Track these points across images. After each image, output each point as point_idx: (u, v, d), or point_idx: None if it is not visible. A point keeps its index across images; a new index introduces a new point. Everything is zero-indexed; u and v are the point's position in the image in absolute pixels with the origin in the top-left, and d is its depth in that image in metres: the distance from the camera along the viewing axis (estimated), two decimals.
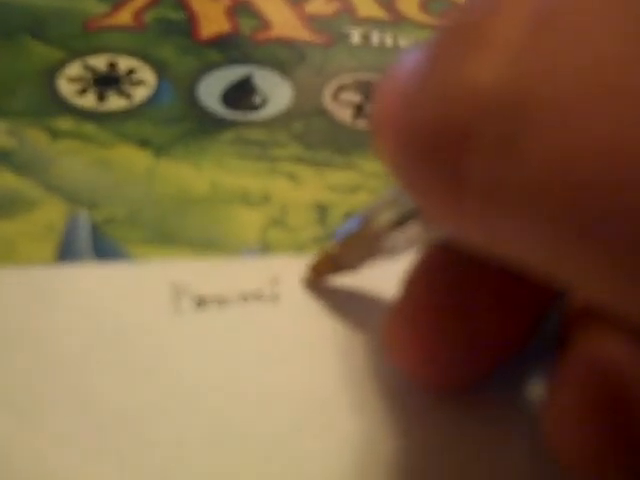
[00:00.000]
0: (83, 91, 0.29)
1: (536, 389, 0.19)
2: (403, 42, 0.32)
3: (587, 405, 0.16)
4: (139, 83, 0.29)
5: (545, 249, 0.12)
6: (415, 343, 0.18)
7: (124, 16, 0.32)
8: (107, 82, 0.29)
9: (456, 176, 0.12)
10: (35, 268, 0.22)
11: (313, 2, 0.34)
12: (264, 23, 0.33)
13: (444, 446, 0.19)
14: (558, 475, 0.17)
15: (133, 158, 0.26)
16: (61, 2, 0.33)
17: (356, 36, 0.32)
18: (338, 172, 0.26)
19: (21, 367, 0.20)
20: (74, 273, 0.22)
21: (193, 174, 0.26)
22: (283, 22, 0.33)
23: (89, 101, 0.28)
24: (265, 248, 0.23)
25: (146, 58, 0.30)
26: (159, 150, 0.27)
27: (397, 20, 0.33)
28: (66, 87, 0.29)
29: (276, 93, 0.29)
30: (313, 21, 0.33)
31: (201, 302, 0.21)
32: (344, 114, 0.29)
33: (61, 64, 0.30)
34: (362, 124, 0.28)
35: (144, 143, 0.27)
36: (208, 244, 0.23)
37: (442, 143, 0.12)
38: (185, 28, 0.32)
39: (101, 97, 0.28)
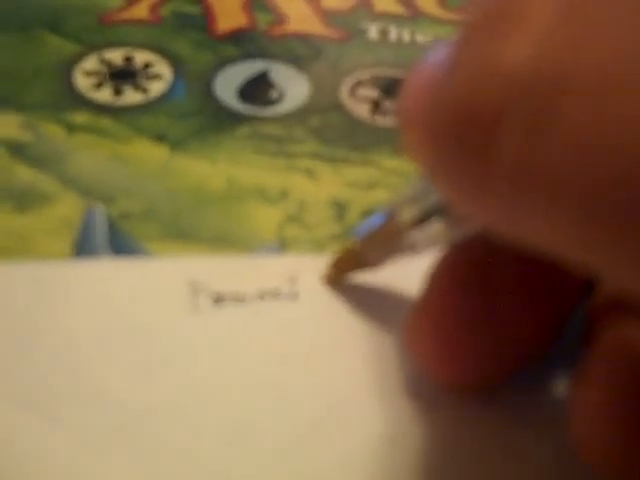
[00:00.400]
0: (99, 85, 0.29)
1: (560, 388, 0.19)
2: (421, 38, 0.32)
3: (615, 399, 0.16)
4: (155, 77, 0.29)
5: (575, 234, 0.11)
6: (438, 341, 0.18)
7: (140, 10, 0.32)
8: (123, 76, 0.29)
9: (487, 157, 0.12)
10: (51, 263, 0.22)
11: None
12: (280, 18, 0.32)
13: (465, 447, 0.18)
14: (583, 475, 0.17)
15: (149, 153, 0.26)
16: None
17: (373, 31, 0.32)
18: (356, 168, 0.26)
19: (36, 363, 0.20)
20: (90, 269, 0.22)
21: (209, 169, 0.26)
22: (300, 17, 0.33)
23: (105, 95, 0.28)
24: (282, 245, 0.23)
25: (162, 52, 0.30)
26: (175, 145, 0.26)
27: (415, 15, 0.33)
28: (82, 81, 0.29)
29: (293, 88, 0.29)
30: (330, 16, 0.33)
31: (218, 299, 0.21)
32: (361, 110, 0.28)
33: (77, 58, 0.30)
34: (380, 120, 0.28)
35: (160, 138, 0.27)
36: (224, 240, 0.23)
37: (472, 124, 0.12)
38: (201, 22, 0.32)
39: (117, 91, 0.28)
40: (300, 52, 0.31)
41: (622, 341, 0.16)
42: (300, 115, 0.28)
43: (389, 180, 0.26)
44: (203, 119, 0.28)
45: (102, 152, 0.26)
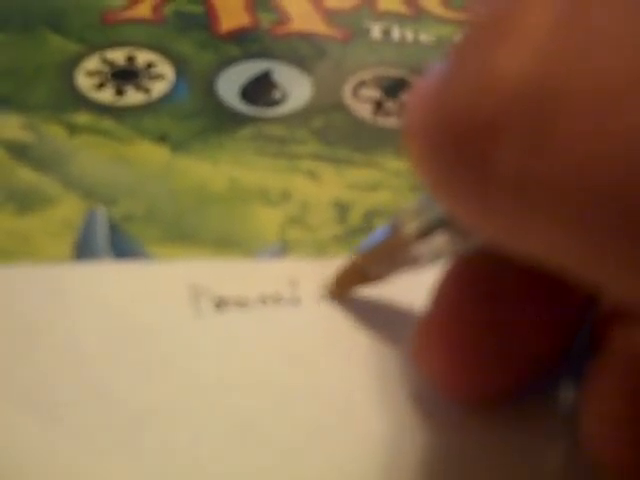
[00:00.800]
0: (101, 85, 0.28)
1: (569, 393, 0.19)
2: (424, 37, 0.32)
3: (625, 403, 0.16)
4: (157, 77, 0.29)
5: (575, 246, 0.11)
6: (446, 355, 0.18)
7: (143, 9, 0.32)
8: (125, 76, 0.29)
9: (485, 169, 0.12)
10: (52, 266, 0.22)
11: None
12: (283, 17, 0.32)
13: (472, 452, 0.18)
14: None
15: (151, 154, 0.26)
16: None
17: (376, 31, 0.32)
18: (358, 170, 0.26)
19: (36, 365, 0.20)
20: (91, 271, 0.22)
21: (211, 171, 0.26)
22: (302, 16, 0.32)
23: (107, 95, 0.28)
24: (284, 246, 0.23)
25: (165, 52, 0.30)
26: (177, 146, 0.26)
27: (418, 15, 0.33)
28: (84, 81, 0.29)
29: (295, 88, 0.29)
30: (333, 15, 0.33)
31: (220, 303, 0.21)
32: (364, 110, 0.28)
33: (79, 58, 0.29)
34: (382, 121, 0.28)
35: (162, 139, 0.27)
36: (226, 242, 0.23)
37: (470, 135, 0.12)
38: (204, 22, 0.32)
39: (119, 91, 0.28)
40: (303, 52, 0.31)
41: (631, 347, 0.16)
42: (303, 116, 0.28)
43: (392, 181, 0.26)
44: (205, 120, 0.27)
45: (104, 153, 0.26)
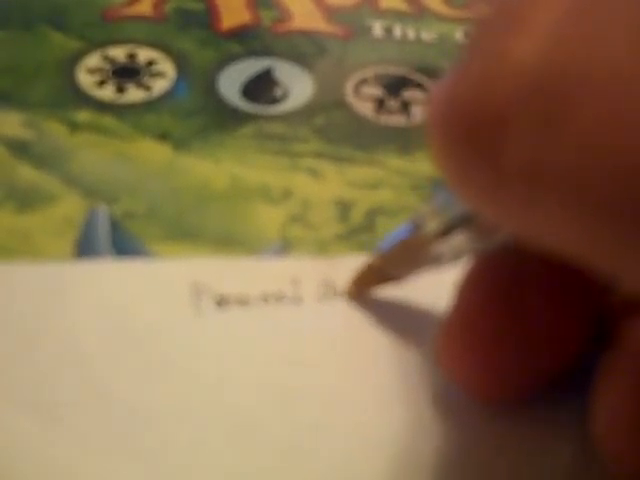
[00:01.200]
0: (102, 83, 0.28)
1: (580, 388, 0.19)
2: (425, 35, 0.32)
3: (637, 400, 0.16)
4: (158, 75, 0.29)
5: (588, 234, 0.11)
6: (469, 354, 0.18)
7: (144, 6, 0.32)
8: (126, 73, 0.29)
9: (496, 158, 0.12)
10: (53, 264, 0.22)
11: None
12: (285, 15, 0.32)
13: (483, 448, 0.18)
14: (602, 477, 0.17)
15: (152, 152, 0.26)
16: None
17: (378, 29, 0.32)
18: (360, 168, 0.26)
19: (38, 363, 0.19)
20: (92, 270, 0.22)
21: (213, 169, 0.25)
22: (304, 14, 0.32)
23: (108, 93, 0.28)
24: (286, 245, 0.23)
25: (166, 49, 0.30)
26: (178, 144, 0.26)
27: (420, 13, 0.33)
28: (85, 78, 0.28)
29: (297, 86, 0.29)
30: (334, 13, 0.32)
31: (221, 302, 0.21)
32: (365, 108, 0.28)
33: (80, 55, 0.29)
34: (384, 118, 0.28)
35: (163, 136, 0.26)
36: (228, 240, 0.23)
37: (482, 125, 0.12)
38: (205, 19, 0.32)
39: (120, 89, 0.28)
40: (304, 49, 0.31)
41: None
42: (304, 113, 0.28)
43: (394, 180, 0.25)
44: (206, 117, 0.27)
45: (105, 151, 0.26)
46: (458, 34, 0.32)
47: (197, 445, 0.18)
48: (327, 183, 0.25)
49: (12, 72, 0.29)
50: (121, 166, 0.25)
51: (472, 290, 0.18)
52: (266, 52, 0.30)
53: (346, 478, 0.18)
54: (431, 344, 0.19)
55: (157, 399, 0.19)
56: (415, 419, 0.19)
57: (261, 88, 0.29)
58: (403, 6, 0.33)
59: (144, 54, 0.30)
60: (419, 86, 0.29)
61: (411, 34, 0.32)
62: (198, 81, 0.29)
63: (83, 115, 0.27)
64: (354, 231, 0.24)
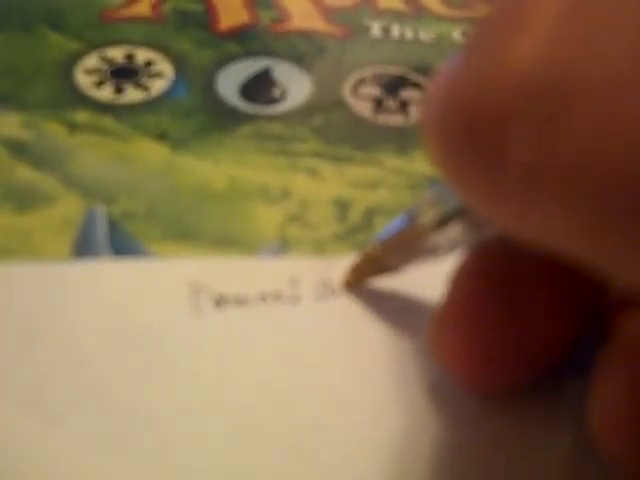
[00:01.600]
0: (100, 83, 0.28)
1: (577, 383, 0.19)
2: (423, 35, 0.32)
3: (634, 395, 0.16)
4: (157, 75, 0.29)
5: (586, 234, 0.11)
6: (462, 345, 0.18)
7: (142, 7, 0.32)
8: (124, 74, 0.29)
9: (495, 158, 0.12)
10: (51, 264, 0.22)
11: None
12: (283, 15, 0.32)
13: (480, 445, 0.18)
14: (599, 473, 0.17)
15: (150, 152, 0.26)
16: None
17: (376, 29, 0.32)
18: (358, 168, 0.26)
19: (36, 364, 0.19)
20: (91, 269, 0.22)
21: (211, 169, 0.25)
22: (302, 14, 0.32)
23: (106, 94, 0.28)
24: (284, 244, 0.23)
25: (164, 50, 0.30)
26: (177, 144, 0.26)
27: (418, 13, 0.33)
28: (83, 79, 0.28)
29: (295, 86, 0.29)
30: (332, 13, 0.33)
31: (220, 301, 0.21)
32: (364, 108, 0.28)
33: (78, 56, 0.29)
34: (382, 118, 0.28)
35: (161, 137, 0.26)
36: (226, 240, 0.23)
37: (481, 124, 0.12)
38: (203, 20, 0.32)
39: (118, 89, 0.28)
40: (303, 50, 0.31)
41: (638, 337, 0.16)
42: (303, 113, 0.28)
43: (392, 179, 0.25)
44: (205, 117, 0.27)
45: (103, 151, 0.26)
46: (456, 34, 0.32)
47: (196, 444, 0.18)
48: (325, 183, 0.25)
49: (11, 73, 0.29)
50: (120, 166, 0.25)
51: (466, 280, 0.18)
52: (264, 52, 0.30)
53: (344, 476, 0.18)
54: (425, 335, 0.19)
55: (156, 399, 0.19)
56: (413, 416, 0.19)
57: (259, 88, 0.29)
58: (401, 6, 0.33)
59: (142, 55, 0.30)
60: (417, 86, 0.29)
61: (409, 34, 0.32)
62: (196, 81, 0.29)
63: (82, 116, 0.27)
64: (352, 230, 0.24)
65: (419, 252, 0.19)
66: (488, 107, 0.12)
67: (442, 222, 0.17)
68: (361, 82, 0.29)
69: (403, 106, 0.28)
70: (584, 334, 0.19)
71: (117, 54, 0.30)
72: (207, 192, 0.25)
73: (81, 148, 0.26)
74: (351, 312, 0.21)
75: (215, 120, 0.27)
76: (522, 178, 0.12)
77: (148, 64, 0.29)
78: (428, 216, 0.18)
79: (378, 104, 0.28)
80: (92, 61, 0.29)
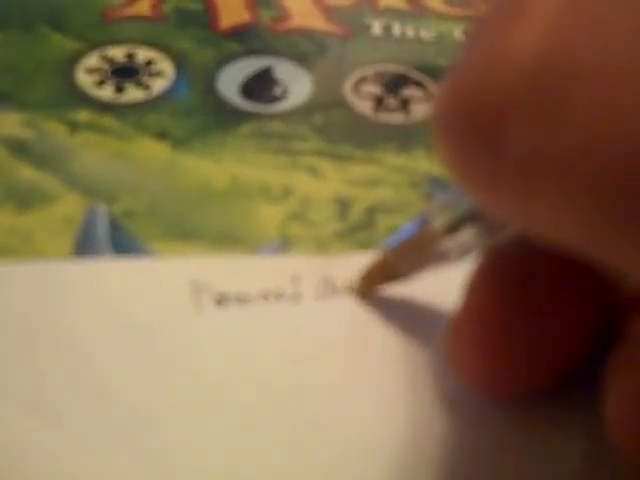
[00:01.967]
0: (101, 82, 0.28)
1: (593, 387, 0.19)
2: (425, 33, 0.32)
3: None
4: (157, 74, 0.29)
5: (587, 224, 0.11)
6: (479, 351, 0.18)
7: (142, 6, 0.32)
8: (125, 73, 0.29)
9: (496, 149, 0.12)
10: (52, 263, 0.22)
11: None
12: (284, 14, 0.32)
13: (493, 446, 0.18)
14: (612, 475, 0.17)
15: (152, 151, 0.26)
16: None
17: (377, 27, 0.32)
18: (359, 166, 0.26)
19: (37, 362, 0.19)
20: (92, 268, 0.22)
21: (212, 167, 0.25)
22: (303, 13, 0.32)
23: (107, 93, 0.28)
24: (285, 243, 0.23)
25: (165, 49, 0.30)
26: (178, 143, 0.26)
27: (419, 11, 0.33)
28: (84, 78, 0.28)
29: (296, 85, 0.29)
30: (333, 12, 0.32)
31: (221, 300, 0.21)
32: (365, 106, 0.28)
33: (79, 55, 0.29)
34: (383, 117, 0.28)
35: (163, 136, 0.26)
36: (228, 239, 0.23)
37: (481, 116, 0.12)
38: (204, 19, 0.32)
39: (119, 89, 0.28)
40: (303, 48, 0.31)
41: None
42: (304, 112, 0.28)
43: (393, 177, 0.25)
44: (206, 116, 0.27)
45: (104, 150, 0.26)
46: (457, 32, 0.32)
47: (197, 444, 0.18)
48: (327, 181, 0.25)
49: (12, 72, 0.29)
50: (121, 165, 0.25)
51: (482, 286, 0.18)
52: (265, 51, 0.30)
53: (345, 476, 0.18)
54: (437, 341, 0.19)
55: (157, 398, 0.19)
56: (418, 416, 0.19)
57: (261, 87, 0.29)
58: (402, 5, 0.33)
59: (143, 54, 0.30)
60: (418, 84, 0.29)
61: (410, 32, 0.32)
62: (197, 80, 0.29)
63: (82, 115, 0.27)
64: (354, 229, 0.24)
65: (431, 258, 0.19)
66: (488, 98, 0.12)
67: (454, 227, 0.17)
68: (362, 81, 0.29)
69: (404, 104, 0.28)
70: (600, 337, 0.18)
71: (118, 53, 0.30)
72: (208, 191, 0.25)
73: (82, 147, 0.26)
74: (353, 311, 0.21)
75: (216, 119, 0.27)
76: (523, 168, 0.12)
77: (149, 63, 0.29)
78: (440, 221, 0.18)
79: (379, 102, 0.28)
80: (93, 60, 0.29)
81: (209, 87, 0.29)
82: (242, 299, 0.21)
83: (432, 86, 0.29)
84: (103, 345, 0.20)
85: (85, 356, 0.20)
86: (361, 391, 0.19)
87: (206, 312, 0.21)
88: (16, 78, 0.28)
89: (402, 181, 0.25)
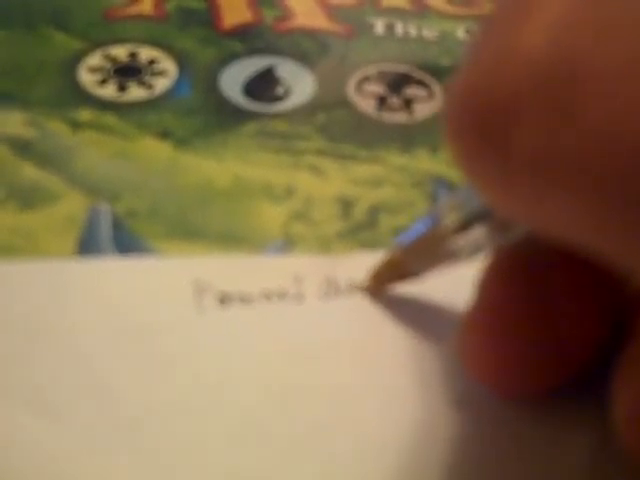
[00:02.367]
0: (104, 81, 0.28)
1: (602, 386, 0.19)
2: (427, 33, 0.32)
3: None
4: (160, 73, 0.29)
5: (598, 222, 0.11)
6: (491, 350, 0.18)
7: (145, 5, 0.32)
8: (128, 72, 0.29)
9: (507, 146, 0.12)
10: (55, 262, 0.22)
11: None
12: (286, 13, 0.32)
13: (499, 445, 0.18)
14: (618, 474, 0.17)
15: (154, 150, 0.26)
16: None
17: (380, 26, 0.32)
18: (362, 165, 0.26)
19: (39, 361, 0.19)
20: (94, 267, 0.22)
21: (215, 167, 0.25)
22: (306, 12, 0.32)
23: (110, 92, 0.28)
24: (288, 242, 0.23)
25: (167, 48, 0.30)
26: (180, 142, 0.26)
27: (421, 10, 0.33)
28: (87, 77, 0.28)
29: (299, 84, 0.29)
30: (336, 11, 0.32)
31: (224, 299, 0.21)
32: (368, 105, 0.28)
33: (82, 54, 0.29)
34: (386, 116, 0.28)
35: (165, 135, 0.26)
36: (230, 238, 0.23)
37: (493, 113, 0.12)
38: (206, 18, 0.32)
39: (122, 88, 0.28)
40: (306, 48, 0.31)
41: None
42: (306, 111, 0.28)
43: (396, 177, 0.25)
44: (208, 116, 0.27)
45: (107, 150, 0.26)
46: (460, 31, 0.32)
47: (198, 444, 0.18)
48: (329, 180, 0.25)
49: (14, 72, 0.29)
50: (123, 165, 0.25)
51: (493, 285, 0.18)
52: (268, 50, 0.30)
53: (346, 476, 0.18)
54: (446, 341, 0.19)
55: (159, 397, 0.19)
56: (422, 415, 0.19)
57: (263, 86, 0.29)
58: (404, 4, 0.33)
59: (146, 53, 0.30)
60: (421, 84, 0.29)
61: (413, 32, 0.32)
62: (200, 80, 0.29)
63: (85, 114, 0.27)
64: (356, 228, 0.24)
65: (441, 256, 0.19)
66: (499, 96, 0.12)
67: (465, 225, 0.17)
68: (365, 80, 0.29)
69: (407, 104, 0.28)
70: (611, 337, 0.18)
71: (120, 52, 0.30)
72: (211, 190, 0.25)
73: (85, 146, 0.26)
74: (356, 311, 0.21)
75: (219, 118, 0.27)
76: (533, 165, 0.12)
77: (151, 62, 0.29)
78: (450, 219, 0.18)
79: (382, 102, 0.28)
80: (95, 59, 0.29)
81: (212, 86, 0.29)
82: (245, 299, 0.21)
83: (435, 85, 0.29)
84: (105, 344, 0.20)
85: (87, 355, 0.20)
86: (364, 391, 0.19)
87: (208, 312, 0.21)
88: (19, 77, 0.28)
89: (405, 181, 0.25)
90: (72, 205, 0.24)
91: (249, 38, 0.31)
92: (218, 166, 0.25)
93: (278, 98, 0.28)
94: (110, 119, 0.27)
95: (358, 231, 0.24)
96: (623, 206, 0.11)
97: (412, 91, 0.29)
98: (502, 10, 0.12)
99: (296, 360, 0.20)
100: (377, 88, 0.29)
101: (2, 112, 0.27)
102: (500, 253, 0.18)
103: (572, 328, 0.18)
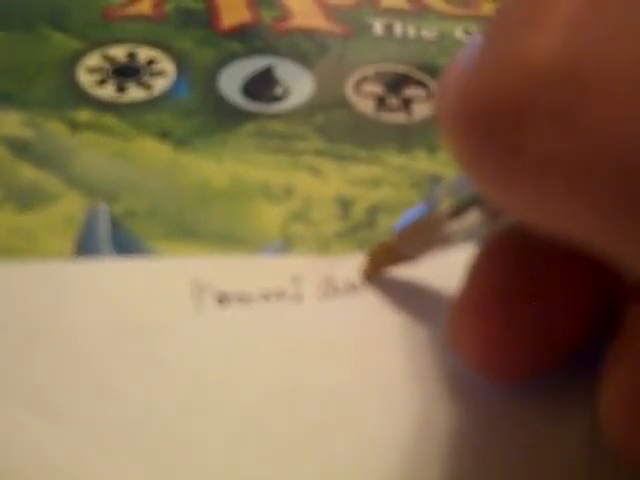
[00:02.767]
0: (102, 82, 0.28)
1: (592, 376, 0.19)
2: (426, 33, 0.32)
3: None
4: (159, 74, 0.29)
5: (603, 223, 0.12)
6: (481, 332, 0.18)
7: (143, 6, 0.32)
8: (126, 73, 0.29)
9: (514, 150, 0.12)
10: (54, 262, 0.22)
11: None
12: (285, 13, 0.32)
13: (488, 434, 0.18)
14: (606, 464, 0.17)
15: (153, 151, 0.26)
16: None
17: (378, 27, 0.32)
18: (360, 165, 0.26)
19: (38, 362, 0.19)
20: (93, 268, 0.22)
21: (214, 167, 0.25)
22: (304, 12, 0.32)
23: (108, 92, 0.28)
24: (287, 242, 0.23)
25: (166, 48, 0.30)
26: (179, 142, 0.26)
27: (420, 11, 0.33)
28: (85, 78, 0.28)
29: (297, 84, 0.29)
30: (335, 11, 0.32)
31: (222, 299, 0.21)
32: (366, 106, 0.28)
33: (80, 54, 0.29)
34: (385, 116, 0.28)
35: (164, 135, 0.26)
36: (229, 239, 0.23)
37: (498, 116, 0.12)
38: (205, 18, 0.32)
39: (120, 88, 0.28)
40: (305, 48, 0.31)
41: None
42: (305, 112, 0.28)
43: (394, 177, 0.25)
44: (207, 116, 0.27)
45: (105, 150, 0.26)
46: (458, 32, 0.32)
47: (198, 443, 0.18)
48: (328, 181, 0.25)
49: (13, 72, 0.29)
50: (122, 165, 0.25)
51: (484, 268, 0.18)
52: (266, 51, 0.30)
53: (348, 475, 0.18)
54: (443, 325, 0.19)
55: (159, 398, 0.19)
56: (423, 415, 0.19)
57: (262, 87, 0.29)
58: (403, 4, 0.33)
59: (144, 53, 0.30)
60: (419, 84, 0.29)
61: (411, 32, 0.32)
62: (198, 80, 0.29)
63: (84, 114, 0.27)
64: (355, 228, 0.24)
65: (436, 241, 0.19)
66: (506, 96, 0.12)
67: (459, 210, 0.18)
68: (363, 80, 0.29)
69: (406, 104, 0.28)
70: (601, 323, 0.19)
71: (119, 53, 0.30)
72: (209, 190, 0.25)
73: (83, 147, 0.26)
74: (354, 311, 0.21)
75: (217, 119, 0.27)
76: (539, 166, 0.12)
77: (150, 63, 0.29)
78: (445, 204, 0.18)
79: (380, 102, 0.28)
80: (94, 60, 0.29)
81: (210, 87, 0.29)
82: (243, 299, 0.21)
83: (434, 86, 0.29)
84: (104, 344, 0.20)
85: (86, 355, 0.20)
86: (363, 391, 0.19)
87: (207, 312, 0.21)
88: (17, 78, 0.28)
89: (403, 181, 0.25)
90: (71, 205, 0.24)
91: (248, 38, 0.31)
92: (217, 166, 0.25)
93: (277, 98, 0.28)
94: (109, 119, 0.27)
95: (357, 231, 0.24)
96: (628, 207, 0.11)
97: (411, 91, 0.29)
98: (508, 12, 0.12)
99: (295, 360, 0.20)
100: (375, 88, 0.29)
101: (0, 112, 0.27)
102: (491, 239, 0.18)
103: (560, 313, 0.18)
